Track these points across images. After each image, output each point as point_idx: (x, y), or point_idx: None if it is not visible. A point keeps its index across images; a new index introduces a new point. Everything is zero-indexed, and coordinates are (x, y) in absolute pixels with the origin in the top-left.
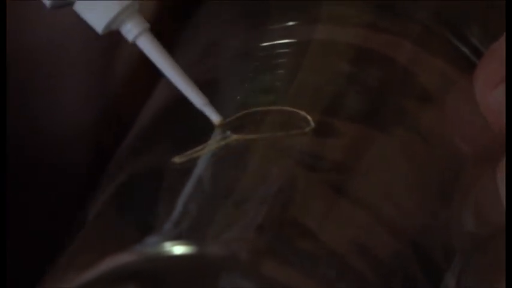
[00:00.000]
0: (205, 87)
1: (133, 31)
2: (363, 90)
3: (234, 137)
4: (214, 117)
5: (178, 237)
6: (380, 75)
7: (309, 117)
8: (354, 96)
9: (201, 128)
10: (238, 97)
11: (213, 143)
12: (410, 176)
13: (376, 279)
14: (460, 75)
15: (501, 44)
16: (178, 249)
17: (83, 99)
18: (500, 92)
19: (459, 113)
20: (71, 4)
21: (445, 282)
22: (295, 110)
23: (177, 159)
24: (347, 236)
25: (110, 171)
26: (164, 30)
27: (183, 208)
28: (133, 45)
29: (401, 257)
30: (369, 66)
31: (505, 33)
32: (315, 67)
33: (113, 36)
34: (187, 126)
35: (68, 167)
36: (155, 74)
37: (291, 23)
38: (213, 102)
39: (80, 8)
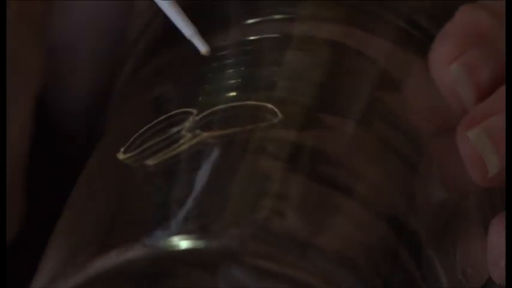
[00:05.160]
0: (177, 81)
1: None
2: (338, 84)
3: (205, 134)
4: (202, 47)
5: (172, 232)
6: (352, 67)
7: (275, 109)
8: (331, 89)
9: None
10: (212, 93)
11: (185, 142)
12: (378, 156)
13: (367, 264)
14: (415, 57)
15: (453, 24)
16: (185, 243)
17: (94, 93)
18: (454, 68)
19: (417, 93)
20: None
21: (425, 254)
22: (261, 103)
23: (150, 162)
24: (333, 223)
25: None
26: None
27: (172, 205)
28: None
29: (384, 237)
30: (343, 59)
31: (456, 14)
32: (292, 61)
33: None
34: None
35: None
36: None
37: (276, 17)
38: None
39: None
